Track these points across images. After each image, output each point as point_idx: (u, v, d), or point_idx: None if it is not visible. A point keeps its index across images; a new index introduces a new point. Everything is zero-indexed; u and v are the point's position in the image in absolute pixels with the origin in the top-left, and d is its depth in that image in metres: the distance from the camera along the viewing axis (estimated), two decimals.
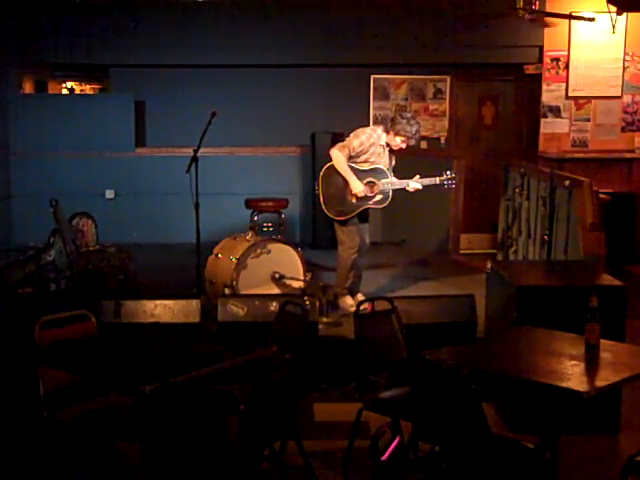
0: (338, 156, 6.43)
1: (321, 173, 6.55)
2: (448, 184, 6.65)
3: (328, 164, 6.53)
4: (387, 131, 6.54)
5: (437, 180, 6.63)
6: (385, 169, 6.55)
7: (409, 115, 6.58)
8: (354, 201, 6.49)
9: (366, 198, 6.50)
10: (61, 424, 3.87)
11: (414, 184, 6.59)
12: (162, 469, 3.63)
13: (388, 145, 6.56)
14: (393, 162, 6.67)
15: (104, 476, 4.18)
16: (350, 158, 6.46)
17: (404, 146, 6.52)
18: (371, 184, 6.51)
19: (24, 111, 9.79)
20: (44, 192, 8.33)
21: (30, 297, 6.20)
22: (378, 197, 6.54)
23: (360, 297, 6.56)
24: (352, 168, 6.46)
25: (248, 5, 9.53)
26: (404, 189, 6.61)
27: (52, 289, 6.65)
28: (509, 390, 4.48)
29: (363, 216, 6.69)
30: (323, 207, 6.55)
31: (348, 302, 6.60)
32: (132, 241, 8.71)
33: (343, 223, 6.57)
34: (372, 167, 6.51)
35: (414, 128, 6.46)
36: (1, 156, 9.68)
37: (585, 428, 4.68)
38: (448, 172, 6.65)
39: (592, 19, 9.43)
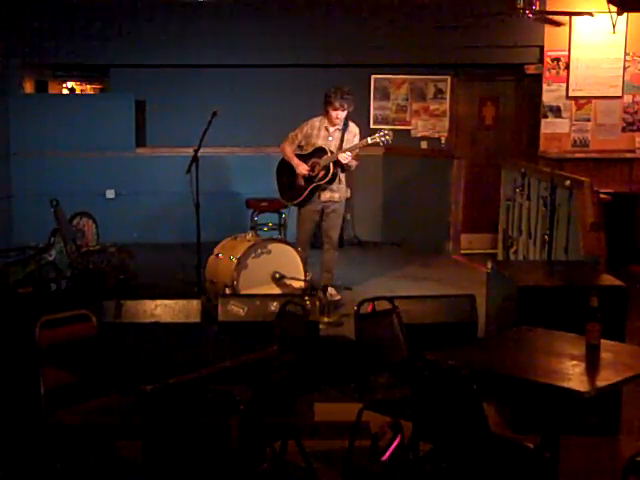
0: (282, 147, 6.95)
1: (276, 167, 6.99)
2: (383, 141, 6.70)
3: (281, 158, 6.97)
4: (327, 112, 6.76)
5: (368, 140, 6.67)
6: (326, 148, 6.74)
7: (333, 88, 6.74)
8: (302, 183, 6.81)
9: (312, 177, 6.76)
10: (62, 424, 3.87)
11: (343, 155, 6.67)
12: (163, 469, 3.63)
13: (332, 124, 6.77)
14: (356, 141, 6.80)
15: (105, 476, 4.18)
16: (299, 148, 6.91)
17: (338, 115, 6.70)
18: (315, 164, 6.77)
19: (25, 111, 9.79)
20: (45, 192, 8.33)
21: (30, 297, 6.19)
22: (321, 174, 6.74)
23: (331, 291, 6.87)
24: (298, 155, 6.87)
25: (248, 5, 9.53)
26: (340, 162, 6.72)
27: (52, 289, 6.64)
28: (510, 390, 4.47)
29: (327, 213, 6.88)
30: (280, 197, 7.05)
31: (331, 292, 6.88)
32: (133, 241, 8.71)
33: (299, 210, 6.98)
34: (313, 149, 6.81)
35: (338, 95, 6.65)
36: (2, 156, 9.68)
37: (586, 428, 4.68)
38: (382, 131, 6.72)
39: (590, 14, 9.40)
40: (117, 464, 4.21)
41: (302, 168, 6.77)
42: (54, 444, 4.01)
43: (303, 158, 6.84)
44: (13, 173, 9.84)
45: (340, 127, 6.80)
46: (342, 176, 6.89)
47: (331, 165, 6.70)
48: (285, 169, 6.93)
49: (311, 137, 6.83)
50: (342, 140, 6.78)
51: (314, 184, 6.78)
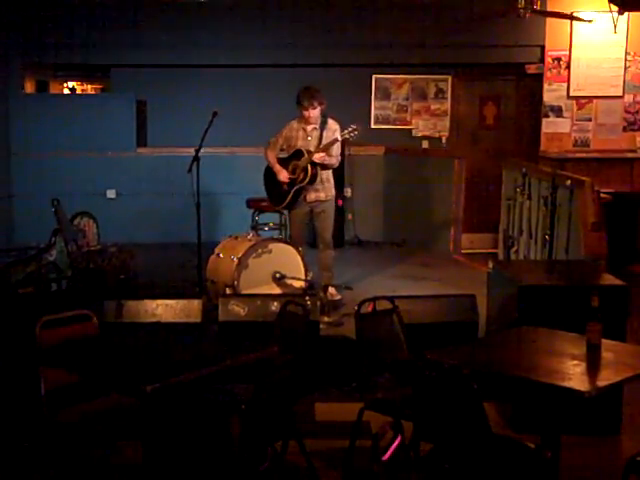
0: (265, 153, 6.99)
1: (263, 173, 7.05)
2: (352, 136, 6.75)
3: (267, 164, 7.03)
4: (300, 113, 6.82)
5: (338, 137, 6.73)
6: (303, 149, 6.77)
7: (302, 88, 6.80)
8: (286, 187, 6.85)
9: (293, 180, 6.80)
10: (62, 424, 3.87)
11: (317, 154, 6.71)
12: (163, 469, 3.63)
13: (308, 123, 6.80)
14: (336, 136, 6.77)
15: (105, 476, 4.18)
16: (284, 151, 6.94)
17: (310, 114, 6.73)
18: (295, 166, 6.80)
19: (26, 111, 9.80)
20: (45, 192, 8.33)
21: (31, 297, 6.19)
22: (301, 175, 6.76)
23: (331, 291, 6.90)
24: (281, 158, 6.92)
25: (249, 5, 9.53)
26: (316, 162, 6.74)
27: (53, 289, 6.64)
28: (510, 390, 4.47)
29: (317, 213, 6.91)
30: (271, 203, 7.12)
31: (331, 292, 6.88)
32: (133, 241, 8.70)
33: (289, 213, 7.07)
34: (293, 151, 6.86)
35: (306, 95, 6.71)
36: (3, 156, 9.68)
37: (586, 428, 4.68)
38: (351, 127, 6.75)
39: (590, 20, 9.41)
40: (118, 464, 4.21)
41: (282, 175, 6.82)
42: (55, 444, 4.01)
43: (284, 162, 6.88)
44: (14, 173, 9.85)
45: (317, 126, 6.81)
46: (327, 174, 6.89)
47: (309, 166, 6.71)
48: (270, 174, 6.96)
49: (291, 139, 6.87)
50: (321, 138, 6.78)
51: (296, 187, 6.80)
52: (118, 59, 9.80)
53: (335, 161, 6.87)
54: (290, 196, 6.84)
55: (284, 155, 6.96)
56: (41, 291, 6.37)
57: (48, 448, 4.12)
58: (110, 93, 10.75)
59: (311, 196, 6.86)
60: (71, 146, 9.79)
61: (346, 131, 6.73)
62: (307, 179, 6.74)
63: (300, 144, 6.82)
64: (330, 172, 6.94)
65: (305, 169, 6.74)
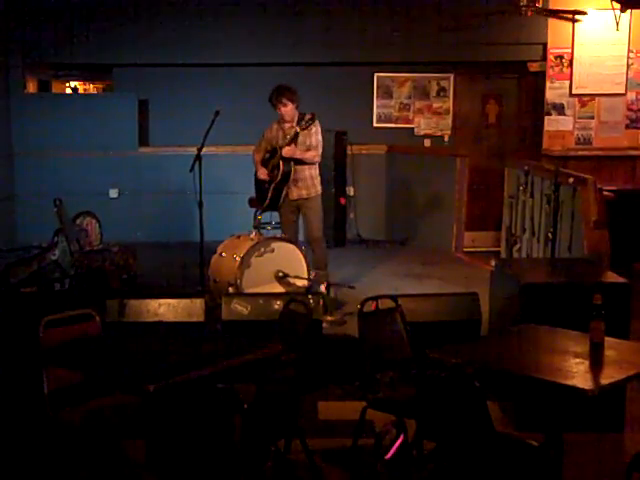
0: (253, 156, 7.06)
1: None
2: (307, 125, 6.72)
3: None
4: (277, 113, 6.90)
5: (298, 129, 6.71)
6: (277, 147, 6.80)
7: (274, 87, 6.85)
8: (266, 186, 6.88)
9: (272, 178, 6.83)
10: (66, 423, 3.88)
11: (285, 149, 6.70)
12: (167, 467, 3.63)
13: (284, 121, 6.83)
14: (308, 142, 6.76)
15: (109, 474, 4.18)
16: (267, 152, 6.93)
17: (282, 111, 6.76)
18: (273, 165, 6.84)
19: (27, 110, 9.79)
20: (48, 191, 8.34)
21: (34, 296, 6.20)
22: (275, 172, 6.80)
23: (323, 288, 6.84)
24: (264, 159, 6.94)
25: (250, 4, 9.53)
26: (286, 157, 6.74)
27: (56, 288, 6.65)
28: (513, 388, 4.47)
29: (303, 212, 6.90)
30: (257, 204, 7.21)
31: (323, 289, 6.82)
32: (136, 240, 8.70)
33: (278, 212, 7.09)
34: (269, 151, 6.90)
35: (274, 94, 6.76)
36: (5, 155, 9.69)
37: (590, 426, 4.67)
38: (305, 116, 6.78)
39: (584, 13, 9.38)
40: (121, 463, 4.21)
41: (260, 173, 6.89)
42: (58, 443, 4.02)
43: (266, 162, 6.90)
44: (16, 173, 9.85)
45: (294, 124, 6.77)
46: (310, 171, 6.82)
47: (280, 162, 6.72)
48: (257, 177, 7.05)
49: (272, 140, 6.88)
50: (296, 136, 6.71)
51: (273, 184, 6.81)
52: (120, 59, 9.79)
53: (310, 156, 6.75)
54: (270, 194, 6.85)
55: None
56: (44, 290, 6.38)
57: (51, 447, 4.13)
58: (112, 93, 10.75)
59: (293, 194, 6.83)
60: (73, 146, 9.79)
61: (303, 122, 6.70)
62: (279, 176, 6.74)
63: (280, 143, 6.79)
64: (314, 169, 6.86)
65: (278, 166, 6.75)
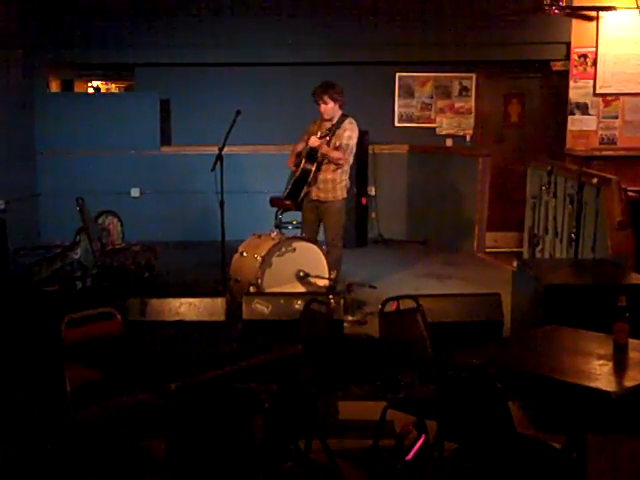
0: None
1: None
2: (340, 125, 6.70)
3: None
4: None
5: (333, 128, 6.70)
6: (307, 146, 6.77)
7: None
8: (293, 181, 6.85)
9: (294, 172, 6.81)
10: (87, 421, 3.89)
11: (312, 139, 6.65)
12: (187, 466, 3.64)
13: (323, 119, 6.78)
14: (338, 142, 6.68)
15: (129, 473, 4.19)
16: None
17: (322, 109, 6.73)
18: (300, 159, 6.78)
19: (51, 110, 9.86)
20: (70, 190, 8.39)
21: (56, 295, 6.24)
22: (298, 169, 6.75)
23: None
24: (299, 152, 6.84)
25: (274, 3, 9.53)
26: (311, 153, 6.70)
27: (78, 287, 6.69)
28: (535, 389, 4.43)
29: (322, 211, 6.81)
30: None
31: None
32: (157, 239, 8.74)
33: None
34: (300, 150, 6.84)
35: (314, 91, 6.78)
36: (28, 155, 9.76)
37: (613, 428, 4.63)
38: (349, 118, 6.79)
39: (612, 8, 9.28)
40: (141, 462, 4.22)
41: (289, 161, 6.90)
42: (79, 441, 4.03)
43: (298, 155, 6.85)
44: (39, 172, 9.92)
45: (334, 122, 6.73)
46: (334, 175, 6.70)
47: (303, 160, 6.69)
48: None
49: (311, 134, 6.80)
50: (332, 134, 6.67)
51: (293, 178, 6.81)
52: (142, 58, 9.83)
53: (336, 155, 6.61)
54: (289, 188, 6.84)
55: None
56: (66, 289, 6.42)
57: (73, 445, 4.14)
58: (134, 92, 10.81)
59: (313, 194, 6.79)
60: (95, 145, 9.84)
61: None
62: (298, 172, 6.71)
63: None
64: (339, 174, 6.71)
65: (301, 162, 6.73)
